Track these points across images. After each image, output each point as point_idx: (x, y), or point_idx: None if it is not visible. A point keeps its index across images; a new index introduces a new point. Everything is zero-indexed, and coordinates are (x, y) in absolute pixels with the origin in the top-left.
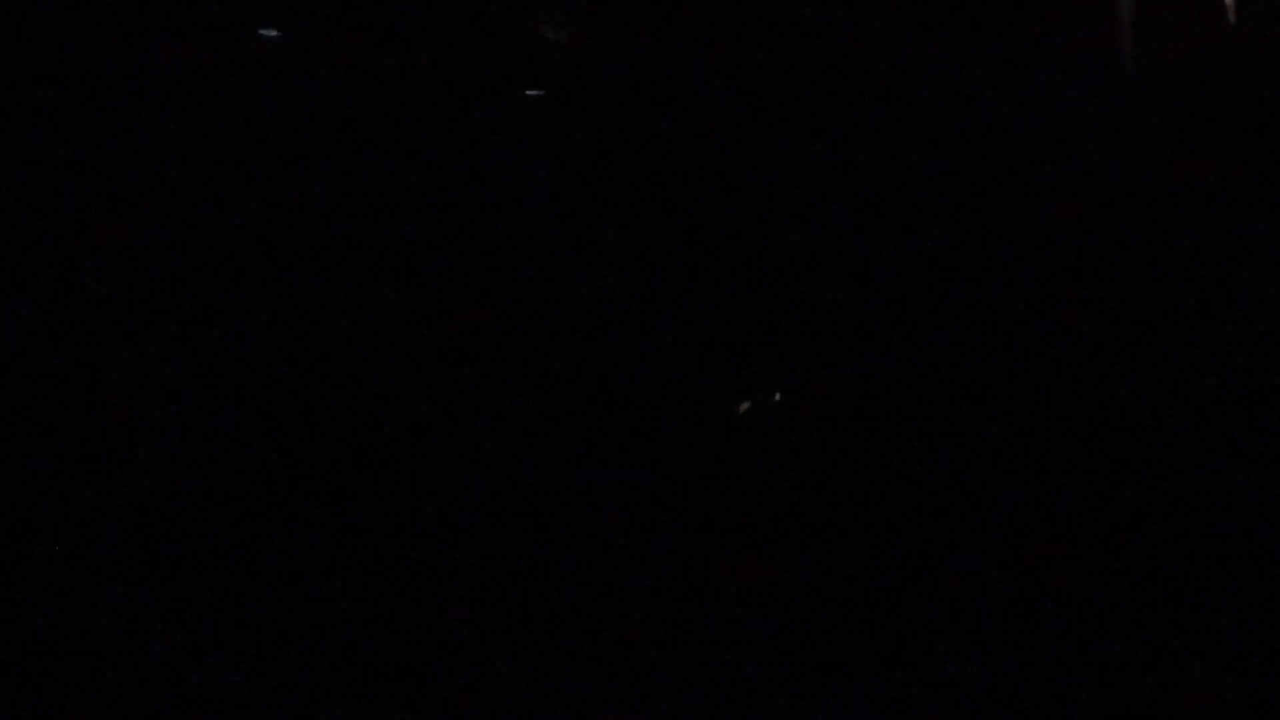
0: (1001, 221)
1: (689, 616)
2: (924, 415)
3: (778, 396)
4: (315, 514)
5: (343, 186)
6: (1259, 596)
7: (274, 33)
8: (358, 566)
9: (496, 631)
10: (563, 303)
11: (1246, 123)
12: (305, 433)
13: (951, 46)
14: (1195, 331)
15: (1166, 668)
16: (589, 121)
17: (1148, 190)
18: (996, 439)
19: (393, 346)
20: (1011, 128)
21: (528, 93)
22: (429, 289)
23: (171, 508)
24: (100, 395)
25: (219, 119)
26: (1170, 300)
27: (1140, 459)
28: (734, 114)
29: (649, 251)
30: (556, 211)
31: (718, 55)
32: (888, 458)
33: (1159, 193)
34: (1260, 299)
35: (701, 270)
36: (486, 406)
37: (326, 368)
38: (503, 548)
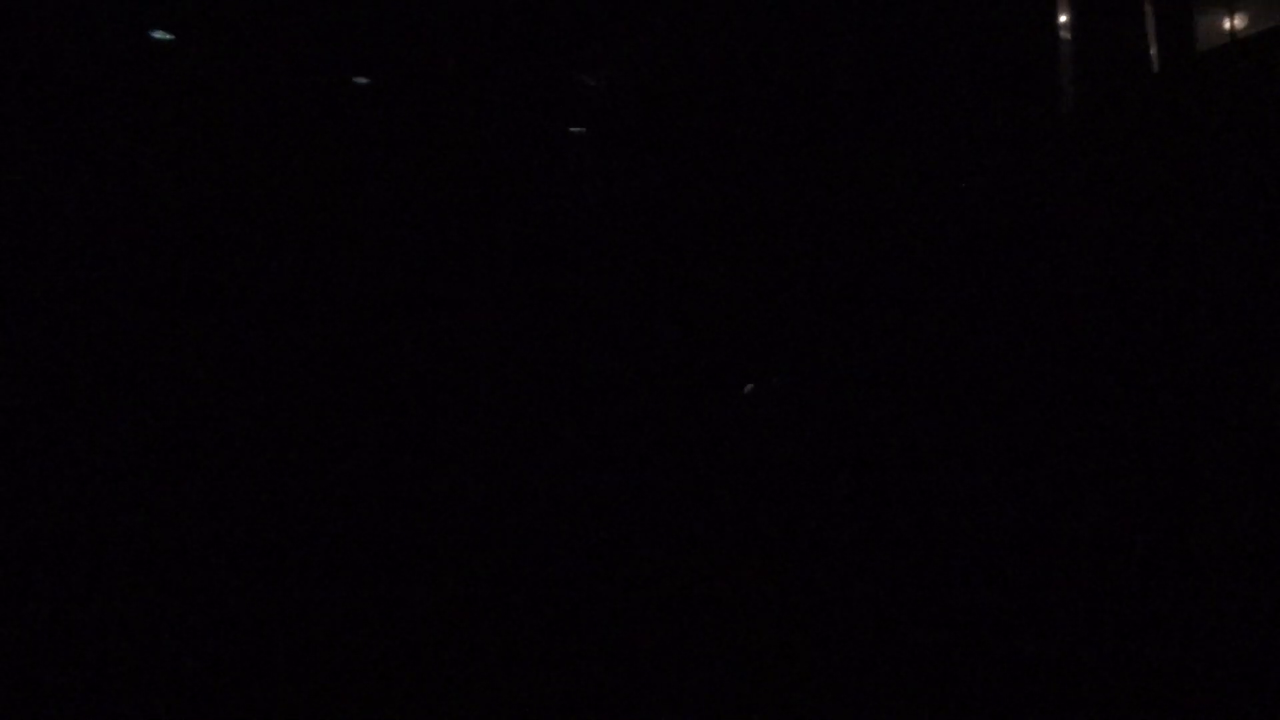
0: (969, 246)
1: (693, 608)
2: (919, 407)
3: (775, 381)
4: (320, 512)
5: (410, 211)
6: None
7: (364, 80)
8: (360, 565)
9: (501, 626)
10: (601, 308)
11: (1175, 160)
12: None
13: (907, 101)
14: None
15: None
16: (623, 154)
17: (1086, 220)
18: (986, 434)
19: (439, 354)
20: (961, 161)
21: (570, 129)
22: (483, 299)
23: (170, 507)
24: (102, 395)
25: (298, 152)
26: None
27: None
28: (748, 145)
29: (674, 262)
30: (596, 229)
31: (735, 94)
32: (887, 445)
33: (1096, 223)
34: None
35: (717, 277)
36: (531, 409)
37: (378, 378)
38: (515, 534)
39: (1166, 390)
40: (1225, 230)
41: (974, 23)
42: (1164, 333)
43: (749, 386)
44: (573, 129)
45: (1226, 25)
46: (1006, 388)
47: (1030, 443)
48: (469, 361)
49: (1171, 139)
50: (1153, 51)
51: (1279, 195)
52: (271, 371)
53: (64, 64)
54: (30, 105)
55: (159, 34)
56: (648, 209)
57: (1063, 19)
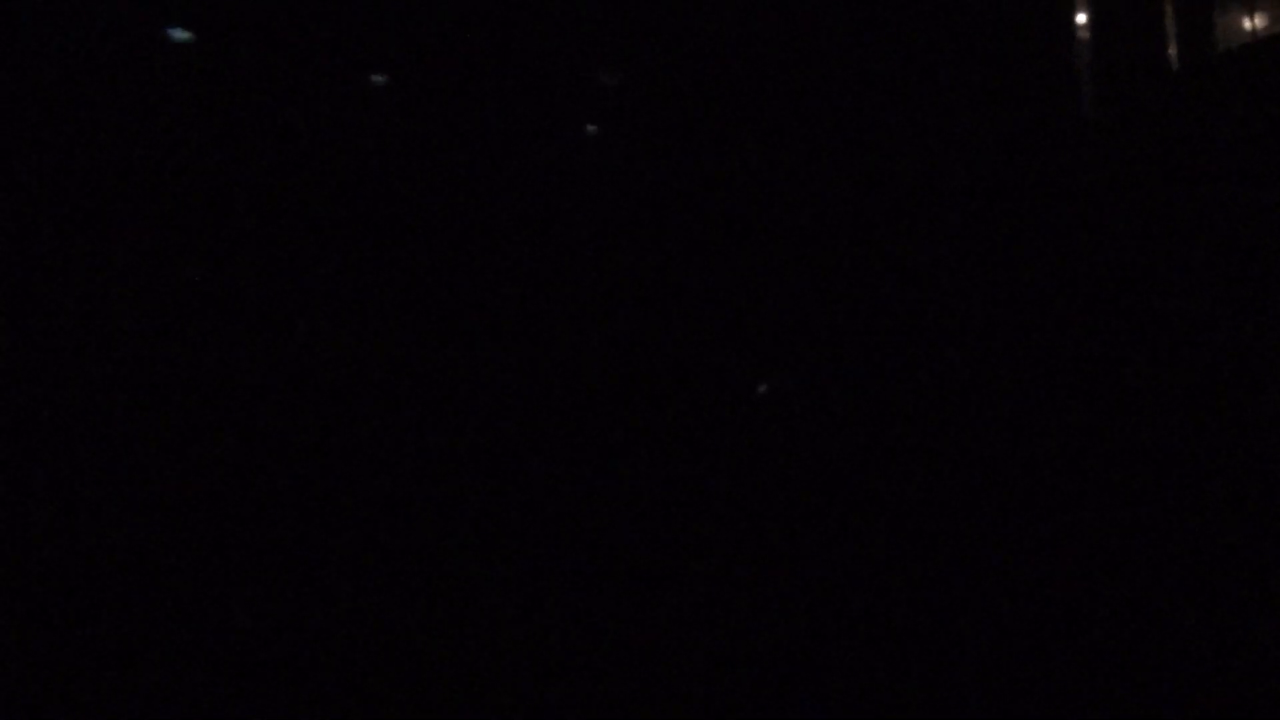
0: (978, 245)
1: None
2: (920, 408)
3: (766, 386)
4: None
5: (428, 210)
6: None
7: (382, 79)
8: (358, 566)
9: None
10: (614, 303)
11: (1194, 159)
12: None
13: (926, 102)
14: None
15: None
16: (638, 153)
17: (1104, 221)
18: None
19: (449, 355)
20: (977, 161)
21: (587, 128)
22: (495, 297)
23: (169, 508)
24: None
25: (315, 149)
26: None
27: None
28: (760, 145)
29: (686, 259)
30: (609, 227)
31: (747, 95)
32: (889, 448)
33: (1114, 224)
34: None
35: (728, 274)
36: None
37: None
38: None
39: (1186, 396)
40: (1246, 231)
41: (991, 21)
42: (1182, 337)
43: (763, 386)
44: (589, 127)
45: (1247, 24)
46: (1020, 392)
47: (1040, 447)
48: (477, 361)
49: (1191, 138)
50: (1172, 51)
51: None
52: (290, 372)
53: (80, 62)
54: (45, 104)
55: (177, 33)
56: (663, 209)
57: (1081, 18)
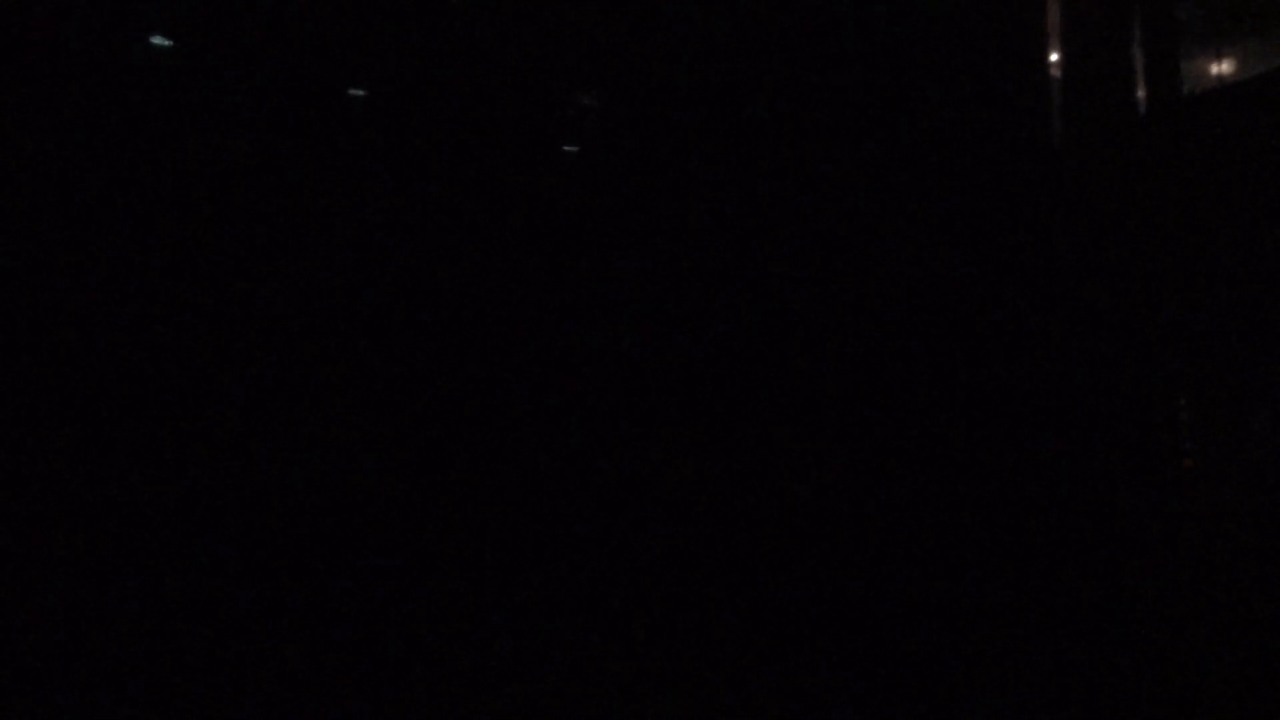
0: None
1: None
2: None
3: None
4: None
5: (403, 225)
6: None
7: (360, 92)
8: (359, 567)
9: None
10: (592, 318)
11: (1158, 199)
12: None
13: (896, 141)
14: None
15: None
16: (616, 172)
17: (1069, 254)
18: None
19: (429, 377)
20: (951, 196)
21: (565, 148)
22: (475, 315)
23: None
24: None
25: (291, 163)
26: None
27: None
28: (738, 166)
29: (665, 275)
30: (588, 243)
31: (725, 117)
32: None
33: (1079, 257)
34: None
35: (709, 290)
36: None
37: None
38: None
39: (1140, 426)
40: (1201, 269)
41: (966, 60)
42: (1138, 368)
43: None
44: (567, 147)
45: (1214, 70)
46: (980, 418)
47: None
48: (460, 384)
49: (1155, 180)
50: (1141, 93)
51: (1260, 237)
52: (259, 390)
53: (63, 69)
54: (29, 110)
55: (158, 40)
56: (642, 227)
57: (1054, 57)
